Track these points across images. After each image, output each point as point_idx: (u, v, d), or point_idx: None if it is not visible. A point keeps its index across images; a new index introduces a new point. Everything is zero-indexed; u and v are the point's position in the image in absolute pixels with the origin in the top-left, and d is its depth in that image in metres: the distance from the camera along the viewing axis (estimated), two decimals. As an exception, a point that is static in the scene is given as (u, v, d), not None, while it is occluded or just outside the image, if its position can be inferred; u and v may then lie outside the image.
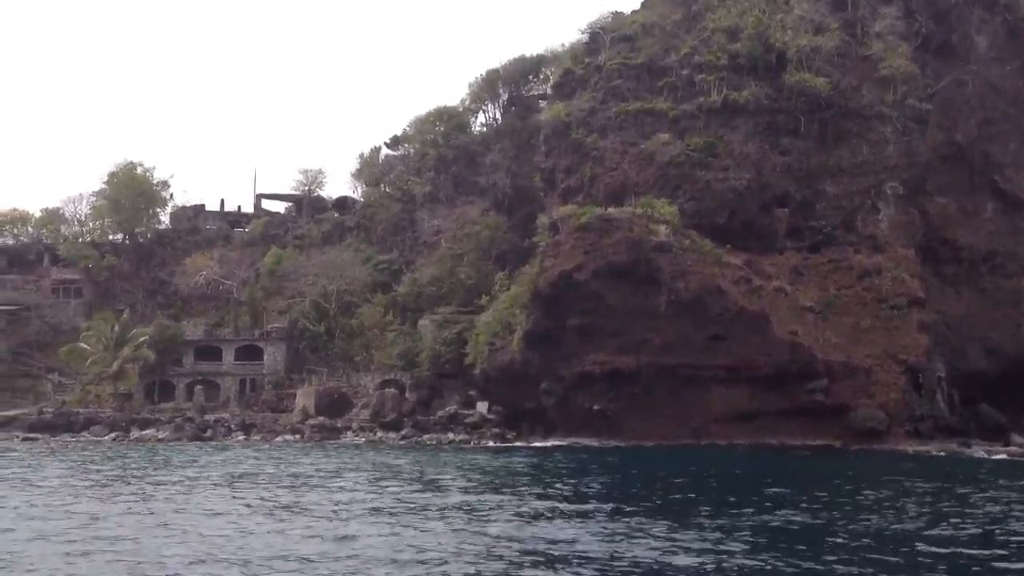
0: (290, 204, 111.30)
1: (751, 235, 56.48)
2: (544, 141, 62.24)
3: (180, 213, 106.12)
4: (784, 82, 57.69)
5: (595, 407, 55.03)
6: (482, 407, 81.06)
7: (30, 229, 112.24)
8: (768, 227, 56.91)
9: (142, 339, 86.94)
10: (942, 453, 51.40)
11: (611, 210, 54.23)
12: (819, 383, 53.14)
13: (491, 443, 61.58)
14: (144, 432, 78.67)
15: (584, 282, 53.75)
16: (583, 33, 67.91)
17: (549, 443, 56.88)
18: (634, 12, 65.05)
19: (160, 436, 76.47)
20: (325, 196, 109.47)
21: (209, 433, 77.77)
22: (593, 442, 55.12)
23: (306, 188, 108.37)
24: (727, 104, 57.06)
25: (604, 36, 61.92)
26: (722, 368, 53.41)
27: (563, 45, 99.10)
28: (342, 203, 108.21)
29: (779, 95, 58.06)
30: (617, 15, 65.78)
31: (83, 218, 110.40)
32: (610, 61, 60.40)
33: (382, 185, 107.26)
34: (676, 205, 54.85)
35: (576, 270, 53.82)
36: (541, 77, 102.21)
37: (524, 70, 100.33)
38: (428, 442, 72.43)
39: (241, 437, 76.62)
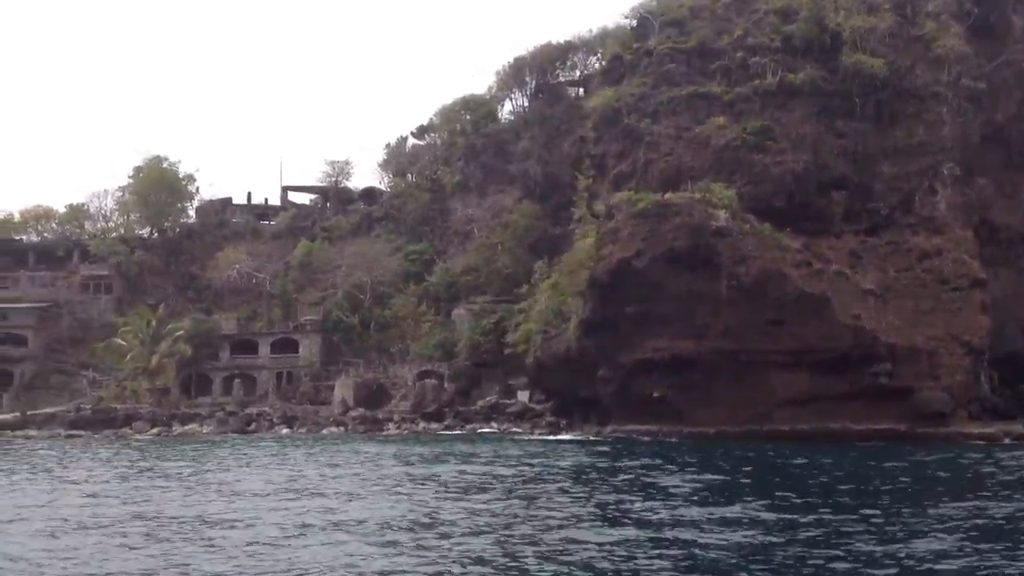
0: (316, 196, 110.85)
1: (808, 218, 55.95)
2: (593, 127, 61.69)
3: (207, 207, 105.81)
4: (839, 63, 57.13)
5: (655, 394, 54.57)
6: (523, 396, 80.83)
7: (54, 225, 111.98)
8: (825, 210, 56.43)
9: (178, 334, 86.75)
10: (1006, 439, 51.15)
11: (668, 195, 53.74)
12: (883, 366, 52.67)
13: (546, 433, 61.08)
14: (187, 427, 78.43)
15: (643, 269, 53.28)
16: (626, 18, 67.49)
17: (609, 431, 56.55)
18: (681, -5, 64.45)
19: (204, 430, 76.26)
20: (351, 187, 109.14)
21: (253, 426, 77.59)
22: (653, 429, 54.76)
23: (333, 179, 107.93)
24: (783, 86, 56.50)
25: (653, 20, 61.30)
26: (784, 353, 52.91)
27: (591, 31, 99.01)
28: (369, 194, 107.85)
29: (833, 76, 57.53)
30: (662, -1, 65.29)
31: (108, 213, 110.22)
32: (660, 45, 59.78)
33: (409, 175, 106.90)
34: (733, 189, 54.34)
35: (635, 257, 53.34)
36: (568, 64, 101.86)
37: (551, 57, 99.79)
38: (469, 432, 72.22)
39: (285, 430, 76.42)
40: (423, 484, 32.15)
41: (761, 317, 53.05)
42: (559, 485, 31.34)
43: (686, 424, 54.13)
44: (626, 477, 34.12)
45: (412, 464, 40.34)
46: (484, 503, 26.88)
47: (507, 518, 24.03)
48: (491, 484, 31.59)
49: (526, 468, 37.09)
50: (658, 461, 39.03)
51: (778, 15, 58.84)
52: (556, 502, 26.86)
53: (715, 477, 34.13)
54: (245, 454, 48.87)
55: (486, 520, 23.64)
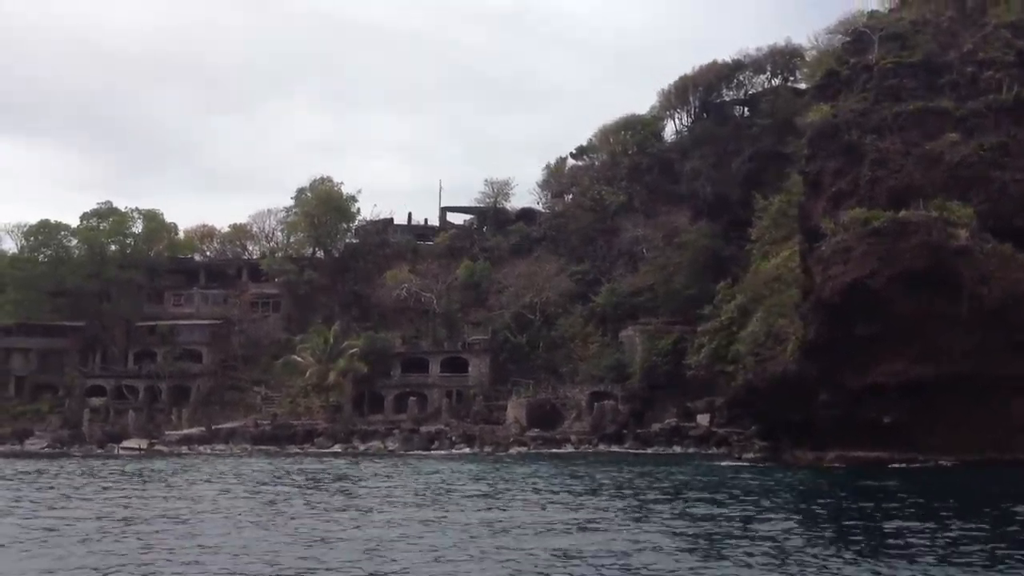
0: (471, 216, 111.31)
1: (1046, 238, 53.52)
2: (808, 144, 60.10)
3: (369, 227, 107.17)
4: (1076, 78, 54.85)
5: (885, 419, 52.66)
6: (703, 419, 79.49)
7: (216, 245, 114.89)
8: (1064, 230, 53.92)
9: (352, 351, 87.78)
10: None
11: (904, 213, 52.00)
12: None
13: (761, 459, 59.28)
14: (369, 444, 79.24)
15: (877, 289, 51.56)
16: (829, 33, 65.97)
17: (832, 457, 54.50)
18: (892, 11, 62.74)
19: (390, 447, 76.82)
20: (508, 208, 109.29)
21: (435, 444, 77.90)
22: (884, 457, 52.72)
23: (491, 200, 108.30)
24: (1019, 101, 54.37)
25: (871, 35, 59.71)
26: (1025, 378, 50.58)
27: (760, 49, 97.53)
28: (526, 214, 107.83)
29: (1070, 92, 55.24)
30: (874, 14, 63.61)
31: (270, 233, 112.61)
32: (882, 60, 58.20)
33: (568, 195, 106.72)
34: (971, 207, 52.33)
35: (869, 277, 51.68)
36: (734, 83, 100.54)
37: (719, 76, 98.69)
38: (660, 453, 71.07)
39: (465, 449, 76.57)
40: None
41: (1003, 340, 50.77)
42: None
43: (919, 451, 51.94)
44: None
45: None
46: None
47: None
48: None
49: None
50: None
51: (1009, 29, 56.71)
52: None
53: None
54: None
55: None
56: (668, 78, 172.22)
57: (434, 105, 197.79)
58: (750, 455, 60.35)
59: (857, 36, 61.21)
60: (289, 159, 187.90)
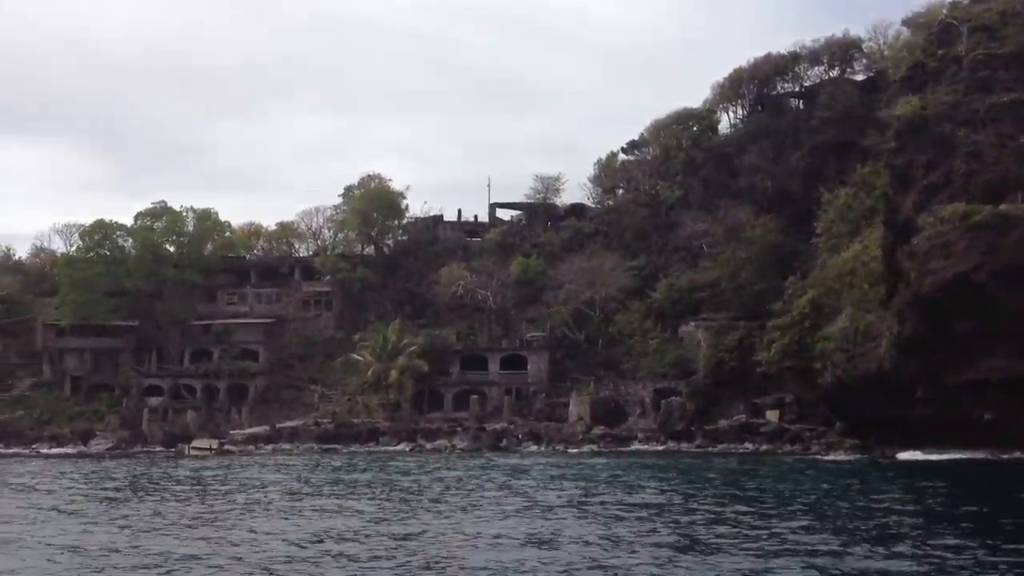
0: (519, 212, 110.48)
1: None
2: (895, 136, 59.26)
3: (419, 224, 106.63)
4: None
5: (986, 416, 52.02)
6: (772, 415, 78.75)
7: (262, 243, 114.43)
8: None
9: (411, 349, 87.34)
10: None
11: (1005, 207, 51.28)
12: None
13: (854, 455, 58.54)
14: (436, 442, 78.71)
15: (980, 284, 50.87)
16: (904, 24, 64.84)
17: (938, 457, 53.73)
18: (976, 2, 61.63)
19: (461, 446, 76.33)
20: (558, 203, 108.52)
21: (504, 443, 77.37)
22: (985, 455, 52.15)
23: (541, 195, 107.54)
24: (1116, 92, 53.68)
25: (959, 26, 58.83)
26: None
27: (817, 41, 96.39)
28: (577, 210, 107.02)
29: None
30: (956, 6, 62.65)
31: (317, 231, 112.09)
32: (971, 52, 57.34)
33: (620, 190, 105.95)
34: (1071, 201, 51.61)
35: (973, 271, 51.02)
36: (790, 76, 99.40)
37: (776, 68, 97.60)
38: (733, 451, 70.48)
39: (533, 447, 76.08)
40: None
41: (1108, 335, 50.04)
42: None
43: (1020, 448, 51.45)
44: None
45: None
46: None
47: None
48: None
49: None
50: None
51: (1104, 17, 55.84)
52: None
53: None
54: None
55: None
56: (669, 78, 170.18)
57: (435, 105, 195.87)
58: (840, 453, 59.48)
59: (944, 28, 60.24)
60: (290, 160, 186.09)
